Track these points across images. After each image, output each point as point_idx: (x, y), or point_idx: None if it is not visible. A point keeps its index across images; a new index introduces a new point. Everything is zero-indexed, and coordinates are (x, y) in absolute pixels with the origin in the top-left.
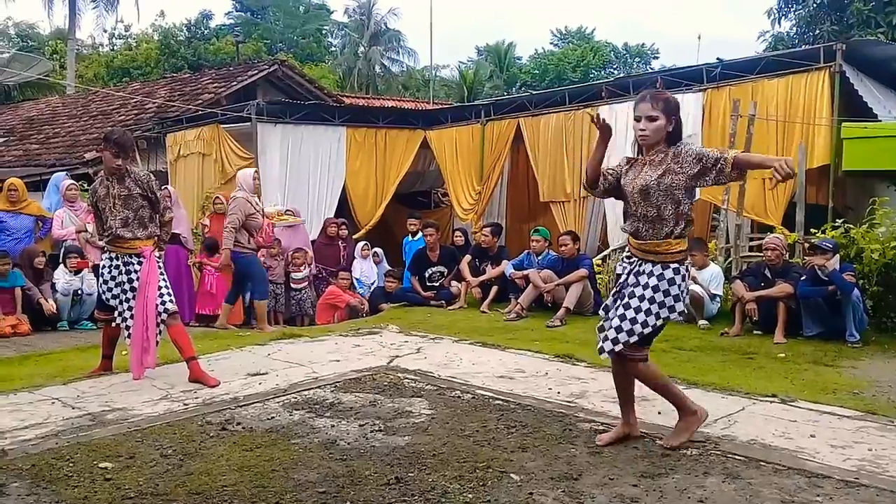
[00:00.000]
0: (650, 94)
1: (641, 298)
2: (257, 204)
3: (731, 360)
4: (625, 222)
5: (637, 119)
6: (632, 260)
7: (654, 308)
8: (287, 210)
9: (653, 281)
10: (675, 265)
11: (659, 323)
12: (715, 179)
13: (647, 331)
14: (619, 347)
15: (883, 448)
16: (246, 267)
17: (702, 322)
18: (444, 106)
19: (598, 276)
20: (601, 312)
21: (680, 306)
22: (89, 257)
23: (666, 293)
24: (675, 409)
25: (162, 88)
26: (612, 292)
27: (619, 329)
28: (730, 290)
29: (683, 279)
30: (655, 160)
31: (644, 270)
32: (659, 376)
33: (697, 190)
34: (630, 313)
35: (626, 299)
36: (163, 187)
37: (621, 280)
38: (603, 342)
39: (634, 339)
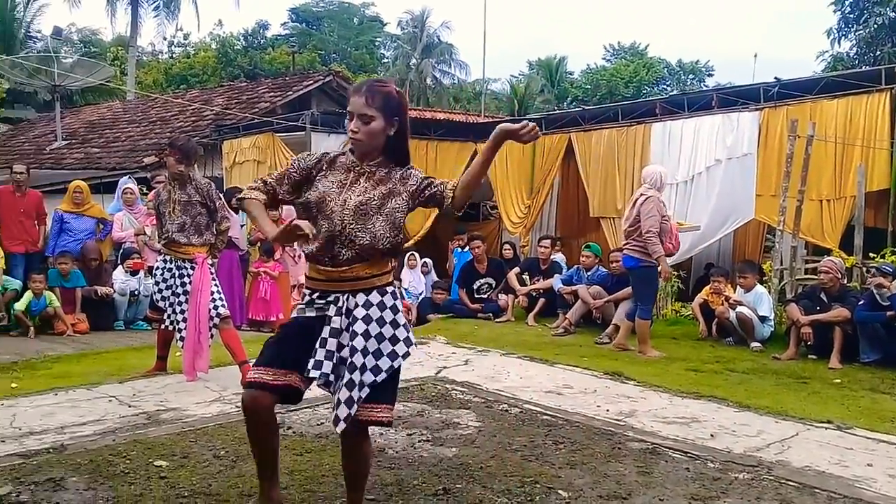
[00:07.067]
0: (366, 87)
1: (367, 336)
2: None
3: (784, 383)
4: (305, 244)
5: (349, 117)
6: (328, 297)
7: (388, 347)
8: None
9: (374, 313)
10: (392, 289)
11: (396, 364)
12: (429, 197)
13: (381, 378)
14: (354, 409)
15: None
16: (643, 278)
17: (754, 344)
18: (495, 119)
19: None
20: (315, 376)
21: (412, 337)
22: (147, 259)
23: (395, 324)
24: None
25: (219, 96)
26: (318, 351)
27: (350, 385)
28: (784, 313)
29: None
30: (376, 176)
31: (357, 303)
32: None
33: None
34: (368, 360)
35: (352, 342)
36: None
37: (330, 328)
38: (337, 410)
39: (366, 392)
